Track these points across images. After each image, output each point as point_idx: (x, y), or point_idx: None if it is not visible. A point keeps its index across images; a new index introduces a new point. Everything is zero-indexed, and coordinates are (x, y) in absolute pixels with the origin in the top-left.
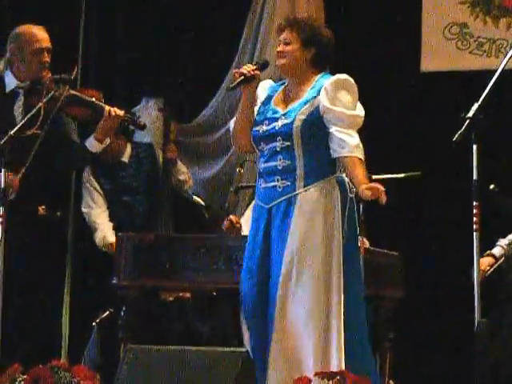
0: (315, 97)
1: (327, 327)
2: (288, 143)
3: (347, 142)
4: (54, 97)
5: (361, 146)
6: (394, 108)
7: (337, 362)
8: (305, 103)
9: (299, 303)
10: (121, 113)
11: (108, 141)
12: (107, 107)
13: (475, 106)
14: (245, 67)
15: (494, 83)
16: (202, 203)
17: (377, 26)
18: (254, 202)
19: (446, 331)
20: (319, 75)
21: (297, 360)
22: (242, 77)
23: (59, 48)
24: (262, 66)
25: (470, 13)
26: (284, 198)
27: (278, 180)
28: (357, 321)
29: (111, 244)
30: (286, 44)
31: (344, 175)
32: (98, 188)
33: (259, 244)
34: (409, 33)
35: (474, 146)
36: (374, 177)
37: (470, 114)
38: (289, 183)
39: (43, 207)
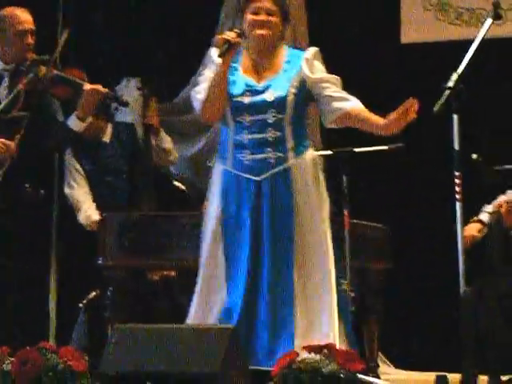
0: (299, 70)
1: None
2: (281, 115)
3: (348, 97)
4: (38, 78)
5: None
6: (376, 80)
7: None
8: (290, 76)
9: (314, 270)
10: (101, 89)
11: (90, 119)
12: (87, 84)
13: (455, 76)
14: (228, 34)
15: (473, 53)
16: (183, 188)
17: None
18: None
19: (432, 300)
20: (285, 49)
21: (318, 327)
22: (227, 44)
23: (39, 30)
24: (241, 34)
25: None
26: (277, 169)
27: (269, 152)
28: (340, 287)
29: (95, 222)
30: (270, 15)
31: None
32: (80, 169)
33: (248, 213)
34: (388, 5)
35: (455, 116)
36: (356, 150)
37: (450, 84)
38: (281, 155)
39: (27, 186)
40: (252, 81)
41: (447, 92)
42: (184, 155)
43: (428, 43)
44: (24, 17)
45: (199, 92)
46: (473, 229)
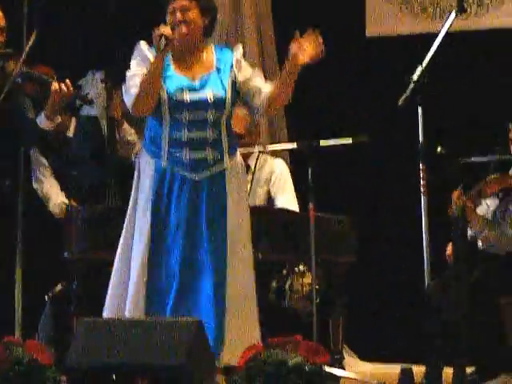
0: (231, 71)
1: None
2: (219, 115)
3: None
4: (5, 72)
5: None
6: (341, 74)
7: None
8: (225, 76)
9: (243, 274)
10: (68, 89)
11: (59, 119)
12: (55, 83)
13: (419, 69)
14: (164, 29)
15: (437, 46)
16: None
17: None
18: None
19: (398, 293)
20: (211, 45)
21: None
22: (165, 39)
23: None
24: (173, 28)
25: None
26: (215, 170)
27: (209, 151)
28: None
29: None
30: (185, 11)
31: None
32: (46, 163)
33: (184, 212)
34: None
35: (419, 109)
36: (321, 143)
37: (415, 77)
38: (218, 156)
39: None
40: (187, 78)
41: (412, 85)
42: None
43: (393, 37)
44: None
45: (131, 87)
46: None
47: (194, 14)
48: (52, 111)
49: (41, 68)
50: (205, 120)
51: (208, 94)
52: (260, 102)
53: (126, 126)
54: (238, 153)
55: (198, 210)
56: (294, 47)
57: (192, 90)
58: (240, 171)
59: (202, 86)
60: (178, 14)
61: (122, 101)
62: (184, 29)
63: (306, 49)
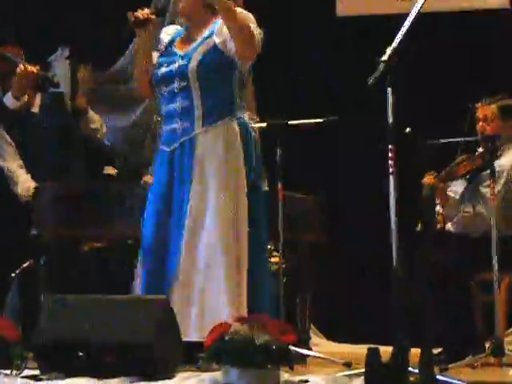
0: (210, 36)
1: (238, 274)
2: (184, 83)
3: None
4: None
5: None
6: (311, 53)
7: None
8: (201, 43)
9: (206, 252)
10: (34, 69)
11: (26, 98)
12: (21, 64)
13: (390, 49)
14: (140, 11)
15: (408, 26)
16: (113, 173)
17: None
18: None
19: (365, 273)
20: (215, 20)
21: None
22: (136, 19)
23: None
24: (159, 11)
25: None
26: (183, 140)
27: (177, 122)
28: (261, 269)
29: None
30: None
31: (246, 117)
32: (11, 141)
33: (163, 187)
34: None
35: (389, 89)
36: (290, 122)
37: (385, 58)
38: (188, 124)
39: None
40: (176, 51)
41: (381, 65)
42: (118, 125)
43: (363, 16)
44: None
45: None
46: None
47: None
48: (18, 91)
49: (9, 48)
50: (173, 91)
51: (175, 65)
52: (233, 47)
53: (91, 114)
54: (226, 121)
55: (173, 183)
56: None
57: (171, 63)
58: (220, 139)
59: (180, 58)
60: None
61: (92, 77)
62: (181, 4)
63: None
